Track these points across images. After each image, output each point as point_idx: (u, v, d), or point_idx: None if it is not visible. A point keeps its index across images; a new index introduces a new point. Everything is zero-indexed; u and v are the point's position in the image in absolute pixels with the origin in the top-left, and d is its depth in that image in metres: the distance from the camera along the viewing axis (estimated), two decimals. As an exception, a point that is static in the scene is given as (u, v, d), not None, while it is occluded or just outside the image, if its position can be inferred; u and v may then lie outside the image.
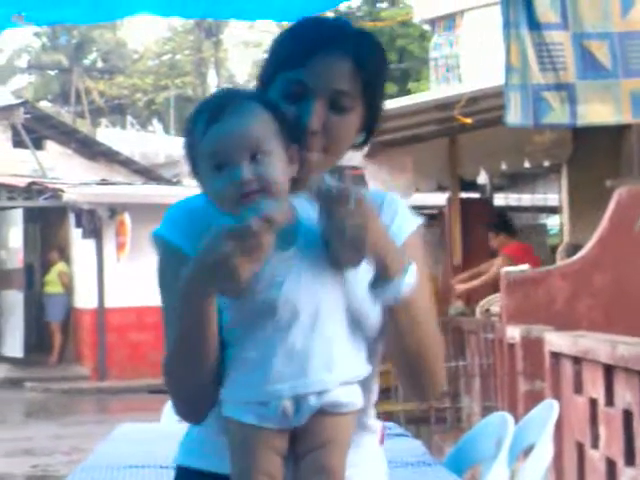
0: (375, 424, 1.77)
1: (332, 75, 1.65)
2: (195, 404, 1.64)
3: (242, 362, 1.56)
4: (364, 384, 1.65)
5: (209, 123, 1.59)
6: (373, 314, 1.65)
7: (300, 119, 1.65)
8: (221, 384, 1.60)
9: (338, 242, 1.54)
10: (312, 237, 1.59)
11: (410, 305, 1.60)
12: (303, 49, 1.65)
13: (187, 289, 1.54)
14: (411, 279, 1.60)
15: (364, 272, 1.60)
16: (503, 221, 9.95)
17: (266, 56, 1.76)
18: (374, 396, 1.75)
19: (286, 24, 1.87)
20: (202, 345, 1.58)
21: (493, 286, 8.28)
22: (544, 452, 3.08)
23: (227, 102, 1.60)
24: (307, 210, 1.61)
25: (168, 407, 4.15)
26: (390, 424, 3.67)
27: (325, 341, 1.55)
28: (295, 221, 1.61)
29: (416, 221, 1.77)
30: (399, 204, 1.76)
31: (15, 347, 16.93)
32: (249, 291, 1.55)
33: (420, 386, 1.69)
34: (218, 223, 1.54)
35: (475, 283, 9.31)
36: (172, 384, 1.64)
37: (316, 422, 1.51)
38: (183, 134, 1.70)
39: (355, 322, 1.62)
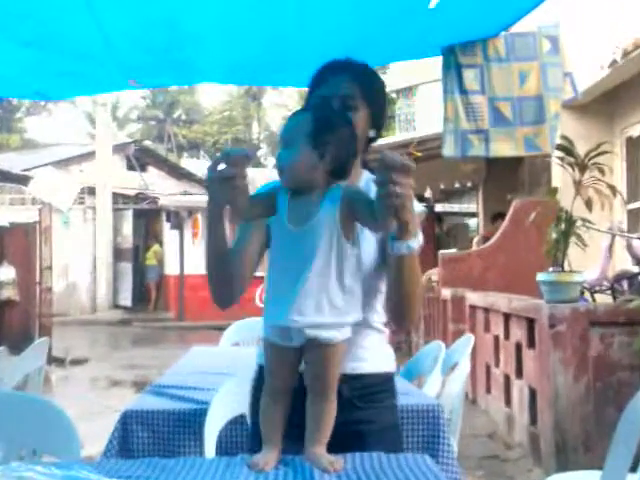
0: (381, 326, 1.63)
1: (338, 85, 1.59)
2: (220, 291, 1.57)
3: (269, 291, 1.43)
4: (369, 294, 1.53)
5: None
6: (375, 265, 1.55)
7: None
8: (238, 283, 1.54)
9: (386, 205, 1.27)
10: (330, 213, 1.37)
11: (413, 257, 1.42)
12: (321, 74, 1.63)
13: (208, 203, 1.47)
14: (420, 238, 1.43)
15: (371, 238, 1.49)
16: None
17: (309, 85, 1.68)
18: (377, 304, 1.60)
19: (306, 89, 1.74)
20: (215, 243, 1.50)
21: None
22: (464, 368, 3.06)
23: (296, 112, 1.49)
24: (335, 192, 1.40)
25: (223, 337, 4.15)
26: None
27: (325, 290, 1.36)
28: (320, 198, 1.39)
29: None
30: None
31: (126, 299, 16.98)
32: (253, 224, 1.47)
33: (405, 317, 1.52)
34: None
35: None
36: (208, 272, 1.56)
37: (312, 346, 1.39)
38: None
39: (360, 275, 1.42)
